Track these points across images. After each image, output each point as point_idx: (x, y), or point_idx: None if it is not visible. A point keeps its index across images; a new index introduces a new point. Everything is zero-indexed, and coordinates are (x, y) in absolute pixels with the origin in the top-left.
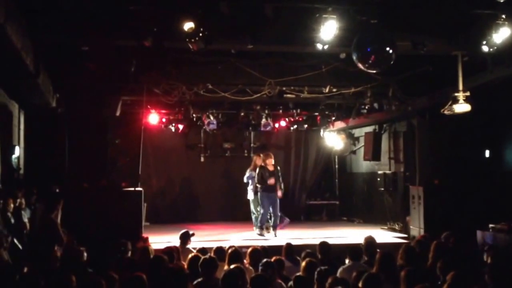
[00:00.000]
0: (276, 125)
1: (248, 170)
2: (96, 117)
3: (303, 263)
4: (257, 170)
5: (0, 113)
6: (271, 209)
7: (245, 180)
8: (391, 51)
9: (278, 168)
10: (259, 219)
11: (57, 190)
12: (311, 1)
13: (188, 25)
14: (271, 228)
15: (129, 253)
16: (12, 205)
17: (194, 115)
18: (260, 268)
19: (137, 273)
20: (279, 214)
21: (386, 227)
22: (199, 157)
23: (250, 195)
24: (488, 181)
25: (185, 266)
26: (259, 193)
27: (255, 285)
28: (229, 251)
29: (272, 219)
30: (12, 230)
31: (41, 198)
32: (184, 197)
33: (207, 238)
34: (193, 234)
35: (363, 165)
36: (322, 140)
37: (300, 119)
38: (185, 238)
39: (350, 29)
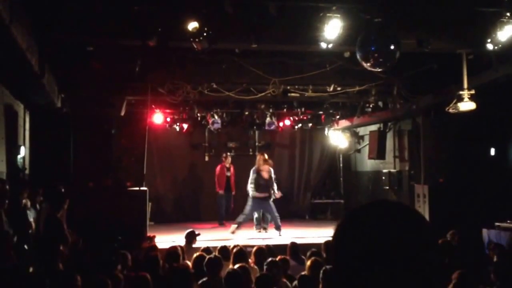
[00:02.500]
0: (281, 124)
1: (252, 171)
2: (101, 117)
3: (308, 262)
4: (254, 175)
5: (6, 113)
6: (255, 214)
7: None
8: (395, 49)
9: (272, 171)
10: (239, 220)
11: (63, 190)
12: (315, 0)
13: (192, 25)
14: (275, 229)
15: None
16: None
17: (198, 114)
18: (265, 267)
19: (141, 273)
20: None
21: None
22: (204, 156)
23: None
24: (493, 179)
25: (190, 266)
26: (252, 199)
27: (260, 284)
28: (234, 250)
29: (274, 221)
30: (18, 230)
31: (46, 198)
32: (189, 196)
33: (211, 237)
34: (198, 234)
35: (367, 164)
36: (327, 139)
37: (305, 118)
38: (191, 237)
39: (354, 28)
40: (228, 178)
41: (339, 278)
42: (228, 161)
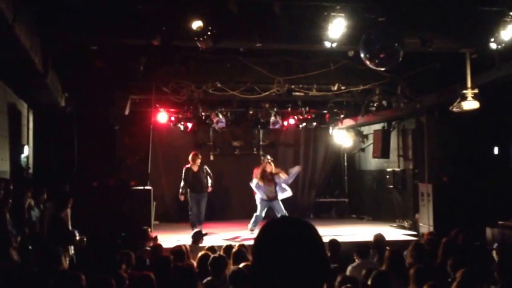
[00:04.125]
0: (285, 123)
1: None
2: (105, 116)
3: None
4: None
5: (9, 112)
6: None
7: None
8: (399, 48)
9: (205, 167)
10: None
11: (67, 189)
12: None
13: (197, 24)
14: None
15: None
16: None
17: (203, 113)
18: None
19: (145, 272)
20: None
21: (395, 225)
22: (208, 155)
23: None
24: (497, 178)
25: (195, 265)
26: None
27: None
28: (233, 250)
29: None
30: (21, 230)
31: (50, 198)
32: None
33: (216, 236)
34: (205, 234)
35: (372, 163)
36: (331, 138)
37: (309, 117)
38: (197, 237)
39: (358, 27)
40: None
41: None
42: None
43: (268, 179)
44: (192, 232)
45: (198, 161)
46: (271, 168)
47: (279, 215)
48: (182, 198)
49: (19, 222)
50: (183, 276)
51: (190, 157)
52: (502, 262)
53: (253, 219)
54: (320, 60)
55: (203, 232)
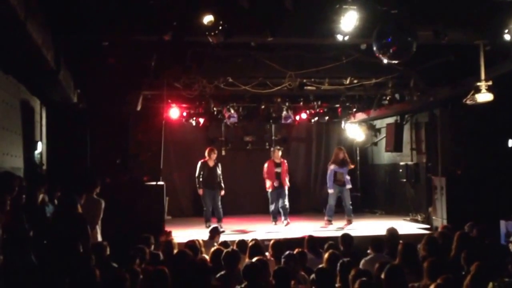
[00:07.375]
0: (297, 117)
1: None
2: (117, 112)
3: (326, 255)
4: (199, 165)
5: (22, 109)
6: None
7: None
8: (412, 41)
9: (219, 164)
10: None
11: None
12: None
13: (208, 19)
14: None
15: (152, 247)
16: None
17: (214, 108)
18: (282, 260)
19: (159, 267)
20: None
21: (408, 218)
22: (220, 150)
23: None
24: (511, 170)
25: (208, 260)
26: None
27: (278, 277)
28: (250, 244)
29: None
30: (35, 226)
31: (65, 194)
32: None
33: (229, 231)
34: (223, 231)
35: (384, 157)
36: (344, 132)
37: (321, 111)
38: (214, 233)
39: (371, 20)
40: (278, 174)
41: None
42: (277, 156)
43: (339, 164)
44: (209, 227)
45: (214, 156)
46: (343, 155)
47: (346, 205)
48: (200, 191)
49: (33, 218)
50: (197, 271)
51: (206, 152)
52: None
53: (327, 209)
54: (332, 54)
55: (221, 229)
